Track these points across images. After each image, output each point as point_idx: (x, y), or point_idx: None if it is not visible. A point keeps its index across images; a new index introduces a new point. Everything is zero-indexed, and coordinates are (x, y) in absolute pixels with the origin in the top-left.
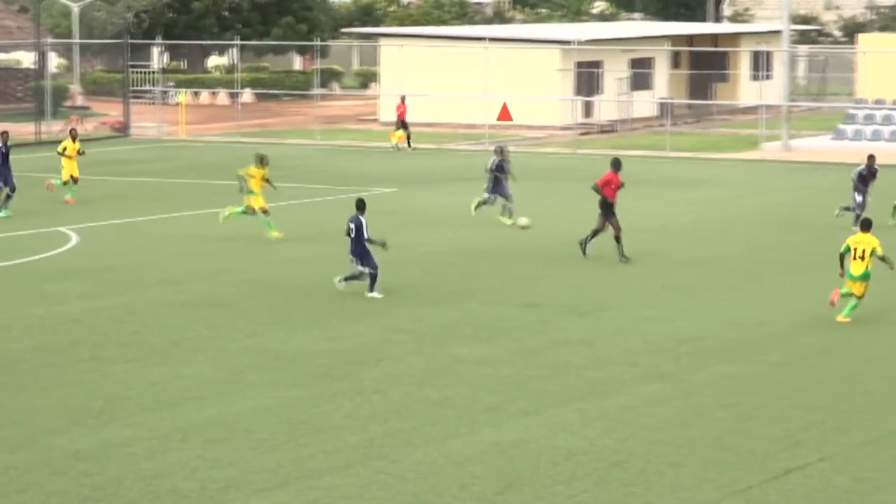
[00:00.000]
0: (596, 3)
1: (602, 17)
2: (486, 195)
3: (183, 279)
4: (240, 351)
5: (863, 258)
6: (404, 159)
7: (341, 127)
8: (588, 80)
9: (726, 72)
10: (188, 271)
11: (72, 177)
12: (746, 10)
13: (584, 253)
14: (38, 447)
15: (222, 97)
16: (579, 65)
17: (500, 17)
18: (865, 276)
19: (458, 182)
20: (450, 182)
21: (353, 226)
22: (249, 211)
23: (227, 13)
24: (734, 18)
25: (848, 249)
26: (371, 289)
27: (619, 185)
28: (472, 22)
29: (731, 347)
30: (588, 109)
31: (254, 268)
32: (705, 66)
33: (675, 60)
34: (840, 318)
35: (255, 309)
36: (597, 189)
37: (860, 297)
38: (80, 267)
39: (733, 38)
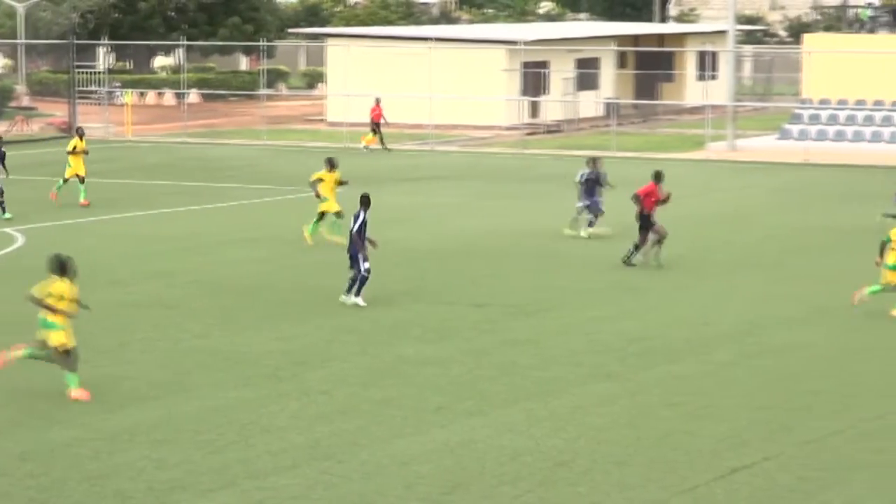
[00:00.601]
0: (542, 4)
1: (548, 18)
2: (579, 205)
3: (131, 280)
4: (187, 351)
5: (894, 249)
6: (351, 160)
7: (288, 127)
8: (534, 80)
9: (672, 72)
10: (136, 272)
11: (77, 175)
12: (692, 10)
13: (628, 264)
14: None
15: (168, 97)
16: (525, 65)
17: (446, 18)
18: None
19: (405, 182)
20: (396, 182)
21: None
22: (337, 217)
23: (173, 13)
24: (680, 18)
25: (889, 239)
26: (356, 292)
27: (660, 200)
28: (418, 22)
29: (677, 347)
30: (534, 109)
31: (202, 268)
32: (651, 66)
33: (621, 60)
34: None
35: (204, 309)
36: (636, 200)
37: None
38: (26, 267)
39: (679, 38)
